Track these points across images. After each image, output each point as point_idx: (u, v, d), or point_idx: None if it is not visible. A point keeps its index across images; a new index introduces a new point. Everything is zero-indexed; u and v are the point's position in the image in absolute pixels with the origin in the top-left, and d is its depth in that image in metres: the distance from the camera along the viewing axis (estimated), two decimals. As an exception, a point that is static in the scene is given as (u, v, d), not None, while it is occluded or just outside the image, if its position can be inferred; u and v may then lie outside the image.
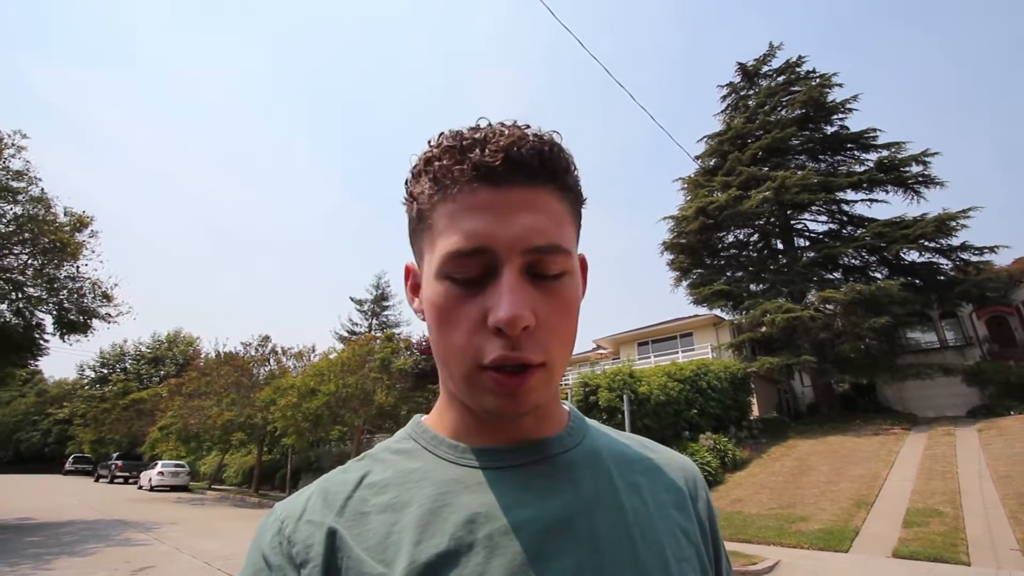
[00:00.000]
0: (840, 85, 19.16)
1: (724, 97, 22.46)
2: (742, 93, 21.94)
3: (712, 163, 21.08)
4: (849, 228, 19.17)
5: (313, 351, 20.08)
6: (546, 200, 0.45)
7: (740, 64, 21.64)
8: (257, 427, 18.61)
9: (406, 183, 0.51)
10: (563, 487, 0.47)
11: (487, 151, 0.44)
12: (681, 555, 0.48)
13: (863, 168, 18.42)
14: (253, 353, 21.04)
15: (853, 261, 18.75)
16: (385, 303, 34.45)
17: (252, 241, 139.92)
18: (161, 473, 22.91)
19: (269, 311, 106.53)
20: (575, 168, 0.49)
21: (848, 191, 18.55)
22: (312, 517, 0.46)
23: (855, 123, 19.69)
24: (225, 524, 11.83)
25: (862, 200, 18.98)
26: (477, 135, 0.46)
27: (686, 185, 21.39)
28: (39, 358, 15.33)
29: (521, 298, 0.42)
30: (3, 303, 13.06)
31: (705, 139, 21.77)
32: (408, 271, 0.55)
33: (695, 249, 20.57)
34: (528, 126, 0.47)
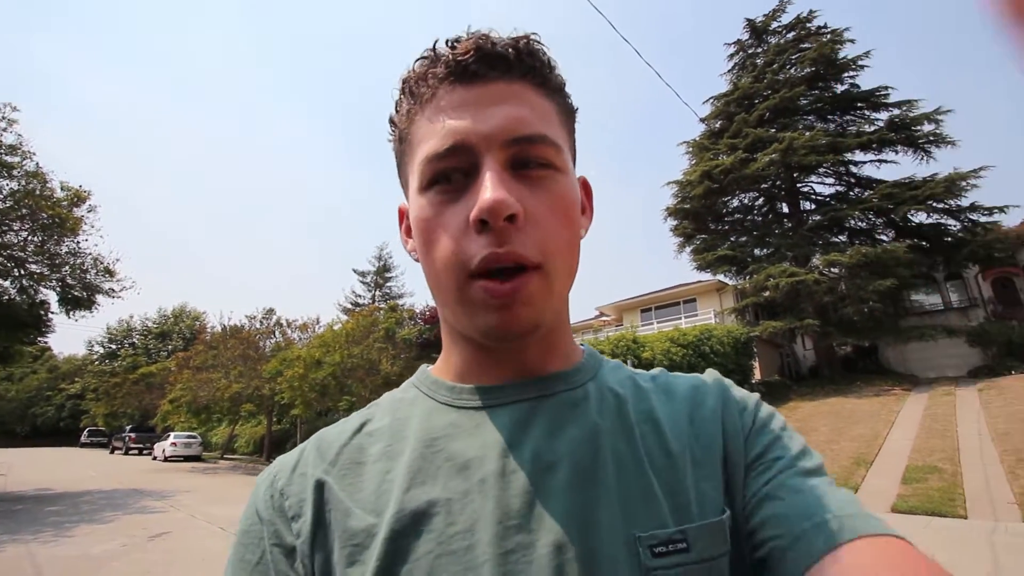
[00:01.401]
0: (852, 41, 18.42)
1: (731, 56, 21.69)
2: (750, 51, 21.17)
3: (718, 125, 20.55)
4: (857, 190, 18.83)
5: (318, 323, 20.21)
6: (527, 94, 0.42)
7: (749, 20, 20.80)
8: (265, 398, 18.92)
9: (390, 119, 0.48)
10: (567, 424, 0.43)
11: (458, 49, 0.42)
12: (701, 474, 0.42)
13: (873, 128, 17.93)
14: (258, 326, 21.22)
15: (859, 224, 18.50)
16: (388, 274, 34.47)
17: (254, 215, 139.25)
18: (174, 444, 23.46)
19: (273, 285, 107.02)
20: (558, 70, 0.46)
21: (857, 152, 18.12)
22: (305, 469, 0.45)
23: (866, 81, 19.07)
24: (238, 491, 12.15)
25: (871, 161, 18.59)
26: (449, 42, 0.44)
27: (691, 149, 20.94)
28: (46, 335, 15.47)
29: (505, 186, 0.38)
30: (6, 280, 13.08)
31: (711, 100, 21.17)
32: (401, 213, 0.52)
33: (699, 214, 20.30)
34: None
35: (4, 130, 12.00)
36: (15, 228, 12.63)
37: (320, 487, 0.43)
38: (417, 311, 20.53)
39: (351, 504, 0.41)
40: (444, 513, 0.39)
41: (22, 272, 13.23)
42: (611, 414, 0.45)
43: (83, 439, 38.66)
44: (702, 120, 20.40)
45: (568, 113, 0.47)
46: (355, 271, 34.74)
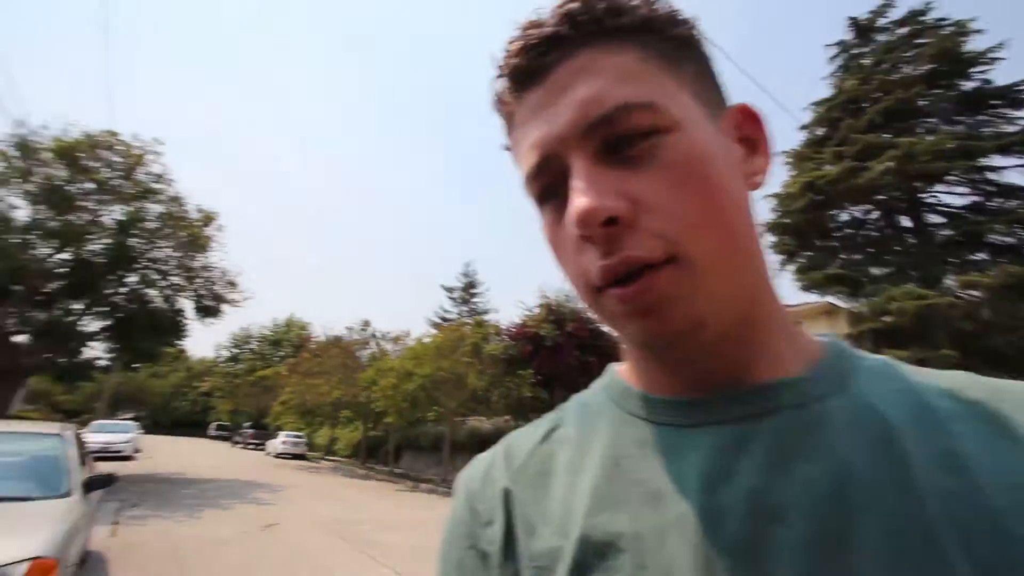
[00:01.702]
0: (980, 32, 16.23)
1: (833, 58, 20.11)
2: (855, 52, 19.46)
3: (821, 133, 19.07)
4: (998, 200, 16.42)
5: (408, 335, 21.29)
6: (595, 61, 0.34)
7: (852, 19, 19.26)
8: (361, 405, 20.17)
9: (506, 147, 0.45)
10: (796, 457, 0.31)
11: (509, 54, 0.37)
12: None
13: (1015, 128, 15.65)
14: (356, 336, 22.82)
15: (1004, 239, 16.08)
16: (473, 291, 35.44)
17: (351, 233, 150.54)
18: (284, 442, 25.78)
19: (368, 299, 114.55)
20: (641, 3, 0.36)
21: (995, 156, 15.86)
22: (494, 474, 0.43)
23: (1002, 75, 16.71)
24: (339, 491, 13.13)
25: (1015, 167, 16.14)
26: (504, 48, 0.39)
27: (790, 159, 19.56)
28: (183, 339, 17.79)
29: (594, 186, 0.32)
30: (154, 289, 15.34)
31: (812, 106, 19.72)
32: None
33: (802, 229, 18.75)
34: None
35: (153, 161, 14.23)
36: (160, 246, 14.84)
37: (507, 496, 0.41)
38: (503, 327, 20.88)
39: (535, 519, 0.38)
40: (633, 551, 0.32)
41: (167, 283, 15.48)
42: (873, 450, 0.31)
43: (211, 432, 44.07)
44: (803, 127, 19.06)
45: (667, 45, 0.36)
46: (443, 287, 36.14)
